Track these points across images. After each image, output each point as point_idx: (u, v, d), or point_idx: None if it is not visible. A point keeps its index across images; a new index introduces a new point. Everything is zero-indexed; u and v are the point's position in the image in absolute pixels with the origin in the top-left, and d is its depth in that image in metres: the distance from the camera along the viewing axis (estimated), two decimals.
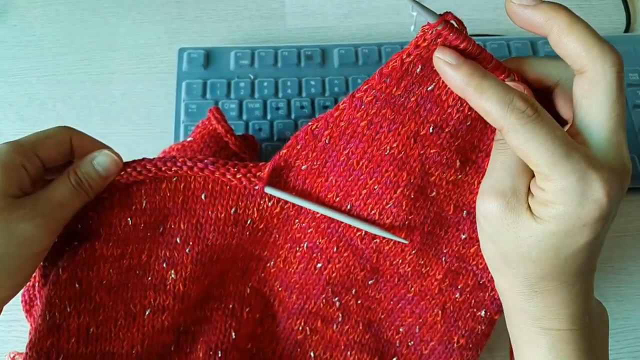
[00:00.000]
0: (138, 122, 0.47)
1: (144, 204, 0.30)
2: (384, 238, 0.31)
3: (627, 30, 0.51)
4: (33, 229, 0.26)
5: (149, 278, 0.30)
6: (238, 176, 0.30)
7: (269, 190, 0.30)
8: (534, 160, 0.23)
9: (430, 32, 0.25)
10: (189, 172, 0.29)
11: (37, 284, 0.35)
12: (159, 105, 0.47)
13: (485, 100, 0.23)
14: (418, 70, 0.26)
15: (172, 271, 0.30)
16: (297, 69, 0.47)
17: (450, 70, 0.24)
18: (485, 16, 0.51)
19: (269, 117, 0.45)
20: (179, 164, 0.29)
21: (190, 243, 0.30)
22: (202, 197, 0.30)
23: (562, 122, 0.26)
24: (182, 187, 0.30)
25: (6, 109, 0.47)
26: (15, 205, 0.26)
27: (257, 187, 0.30)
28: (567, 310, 0.25)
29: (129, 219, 0.30)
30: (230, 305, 0.32)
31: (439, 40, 0.25)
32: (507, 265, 0.26)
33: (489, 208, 0.25)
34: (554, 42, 0.24)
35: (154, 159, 0.29)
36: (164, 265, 0.30)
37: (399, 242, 0.31)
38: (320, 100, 0.45)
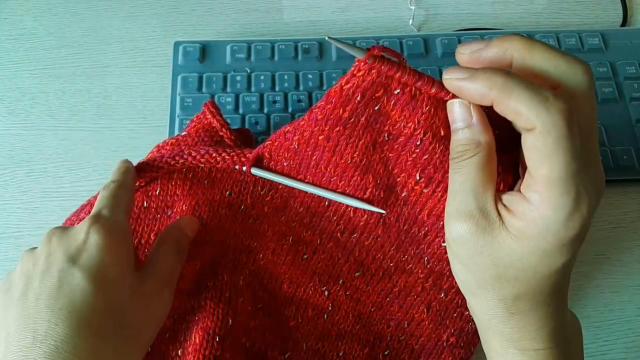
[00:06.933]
0: (133, 116, 0.46)
1: (157, 191, 0.34)
2: (362, 232, 0.32)
3: (623, 24, 0.51)
4: (163, 304, 0.29)
5: None
6: (229, 157, 0.32)
7: (255, 171, 0.32)
8: (548, 168, 0.21)
9: (362, 64, 0.25)
10: (192, 161, 0.33)
11: None
12: (154, 99, 0.47)
13: (516, 99, 0.21)
14: (358, 98, 0.26)
15: None
16: (294, 62, 0.47)
17: (467, 83, 0.23)
18: (483, 10, 0.51)
19: (265, 110, 0.45)
20: (185, 156, 0.33)
21: None
22: (205, 183, 0.34)
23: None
24: (190, 176, 0.34)
25: None
26: (142, 284, 0.28)
27: (244, 168, 0.32)
28: (544, 330, 0.25)
29: (144, 201, 0.34)
30: (227, 295, 0.33)
31: (373, 72, 0.25)
32: (480, 288, 0.25)
33: (459, 232, 0.24)
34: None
35: (163, 156, 0.33)
36: None
37: (377, 237, 0.32)
38: (318, 94, 0.45)
